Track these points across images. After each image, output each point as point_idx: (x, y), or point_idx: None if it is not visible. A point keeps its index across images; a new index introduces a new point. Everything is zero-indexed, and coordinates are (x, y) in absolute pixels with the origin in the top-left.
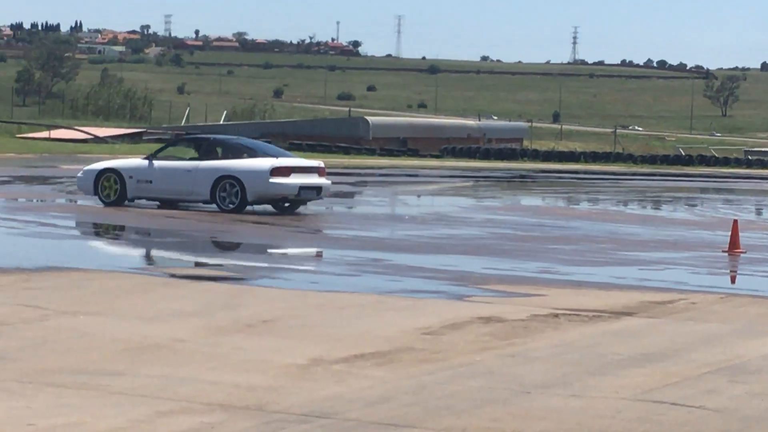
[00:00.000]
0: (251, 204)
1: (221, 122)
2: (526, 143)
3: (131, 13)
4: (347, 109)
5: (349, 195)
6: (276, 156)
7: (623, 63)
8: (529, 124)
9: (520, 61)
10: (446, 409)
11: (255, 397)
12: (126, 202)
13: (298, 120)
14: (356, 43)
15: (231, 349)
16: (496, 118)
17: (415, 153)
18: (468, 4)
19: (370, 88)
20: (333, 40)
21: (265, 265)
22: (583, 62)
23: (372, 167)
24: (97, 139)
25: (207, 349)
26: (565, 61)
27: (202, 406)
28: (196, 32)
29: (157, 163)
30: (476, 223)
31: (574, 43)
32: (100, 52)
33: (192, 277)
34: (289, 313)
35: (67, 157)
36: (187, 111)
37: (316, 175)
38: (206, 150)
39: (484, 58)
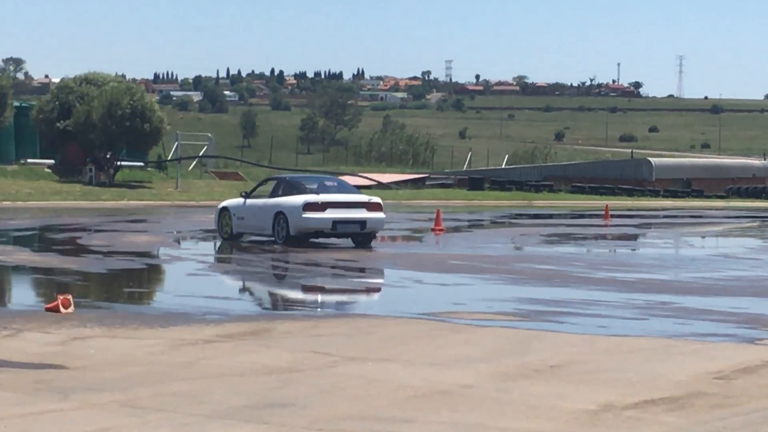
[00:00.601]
0: (294, 237)
1: (503, 166)
2: None
3: (413, 59)
4: (629, 150)
5: (633, 237)
6: (320, 192)
7: None
8: None
9: None
10: None
11: None
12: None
13: (580, 162)
14: (637, 84)
15: (519, 395)
16: None
17: (699, 194)
18: (750, 42)
19: (652, 129)
20: (614, 81)
21: (551, 309)
22: None
23: (656, 209)
24: (380, 185)
25: (495, 395)
26: None
27: None
28: (477, 77)
29: (247, 201)
30: (765, 264)
31: None
32: (382, 98)
33: (478, 322)
34: (577, 357)
35: None
36: (468, 155)
37: (364, 210)
38: (274, 188)
39: None
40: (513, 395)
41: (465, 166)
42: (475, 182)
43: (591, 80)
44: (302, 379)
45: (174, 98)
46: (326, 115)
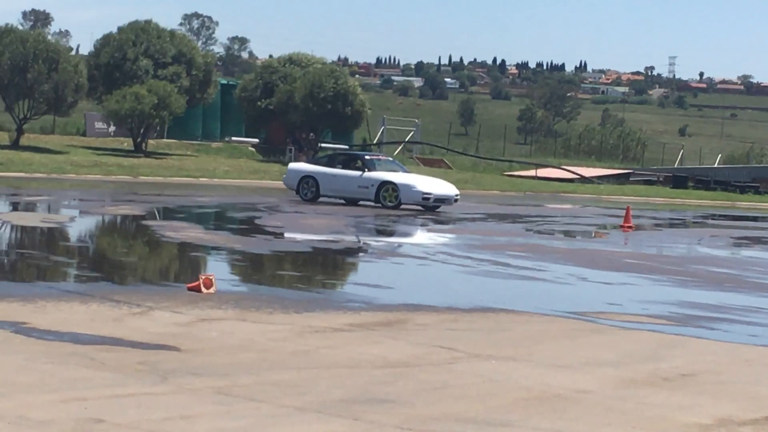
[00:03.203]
0: None
1: (714, 165)
2: None
3: (636, 54)
4: None
5: None
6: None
7: None
8: None
9: None
10: None
11: None
12: None
13: None
14: None
15: (635, 403)
16: None
17: None
18: None
19: None
20: None
21: (708, 315)
22: None
23: None
24: (582, 179)
25: (609, 402)
26: None
27: None
28: (701, 74)
29: None
30: None
31: None
32: (603, 92)
33: (625, 324)
34: (712, 367)
35: (550, 196)
36: (680, 153)
37: None
38: None
39: None
40: (628, 403)
41: (676, 163)
42: (678, 180)
43: None
44: (415, 374)
45: (395, 83)
46: (545, 107)
